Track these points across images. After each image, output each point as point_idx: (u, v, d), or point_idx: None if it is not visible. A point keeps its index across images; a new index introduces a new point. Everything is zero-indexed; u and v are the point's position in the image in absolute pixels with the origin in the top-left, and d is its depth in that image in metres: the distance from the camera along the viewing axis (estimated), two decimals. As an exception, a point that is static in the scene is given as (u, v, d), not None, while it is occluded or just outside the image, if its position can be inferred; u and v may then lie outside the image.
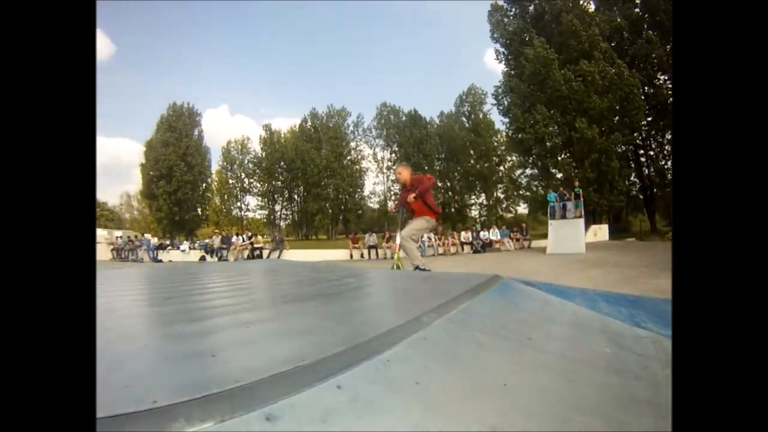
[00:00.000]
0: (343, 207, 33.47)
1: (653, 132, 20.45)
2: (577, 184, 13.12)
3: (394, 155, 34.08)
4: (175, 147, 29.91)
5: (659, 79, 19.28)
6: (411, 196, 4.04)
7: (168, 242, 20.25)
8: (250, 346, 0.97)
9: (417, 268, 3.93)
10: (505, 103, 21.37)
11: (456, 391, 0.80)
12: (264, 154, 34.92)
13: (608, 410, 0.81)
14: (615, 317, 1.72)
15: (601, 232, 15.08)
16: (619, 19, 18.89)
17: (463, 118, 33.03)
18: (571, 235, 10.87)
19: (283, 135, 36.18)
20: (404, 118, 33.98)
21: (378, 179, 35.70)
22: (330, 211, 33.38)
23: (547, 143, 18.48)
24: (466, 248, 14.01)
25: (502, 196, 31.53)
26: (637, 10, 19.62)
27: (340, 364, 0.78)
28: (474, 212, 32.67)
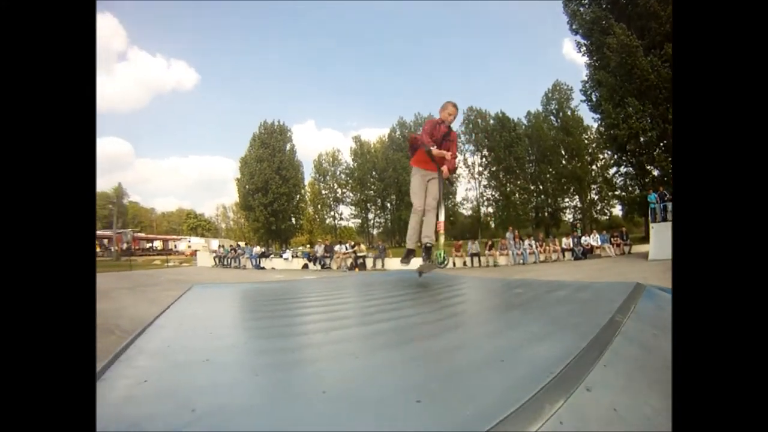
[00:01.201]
0: None
1: None
2: (662, 188, 12.50)
3: (484, 160, 33.93)
4: (269, 162, 32.96)
5: None
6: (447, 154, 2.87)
7: (271, 251, 21.43)
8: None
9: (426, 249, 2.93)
10: (594, 98, 20.26)
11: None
12: (355, 164, 36.57)
13: None
14: None
15: None
16: None
17: (552, 117, 32.00)
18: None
19: (372, 145, 37.59)
20: (492, 121, 33.44)
21: (470, 185, 35.62)
22: None
23: (641, 138, 17.25)
24: (567, 254, 13.65)
25: (596, 197, 30.31)
26: None
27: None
28: (568, 216, 31.74)
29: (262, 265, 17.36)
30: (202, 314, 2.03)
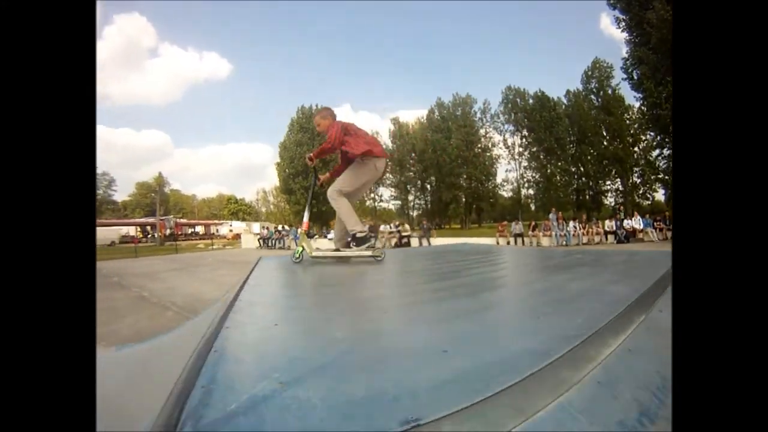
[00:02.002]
0: (475, 195, 33.75)
1: None
2: None
3: (524, 140, 33.15)
4: (309, 146, 32.65)
5: None
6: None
7: (314, 232, 22.08)
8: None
9: (354, 237, 2.77)
10: (635, 76, 19.41)
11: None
12: (394, 146, 36.11)
13: None
14: None
15: None
16: None
17: (592, 96, 31.06)
18: None
19: (411, 127, 37.03)
20: (531, 101, 32.65)
21: (510, 166, 35.26)
22: (464, 199, 33.93)
23: None
24: (609, 238, 13.59)
25: (638, 181, 29.35)
26: None
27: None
28: (609, 199, 30.98)
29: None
30: (281, 276, 2.32)
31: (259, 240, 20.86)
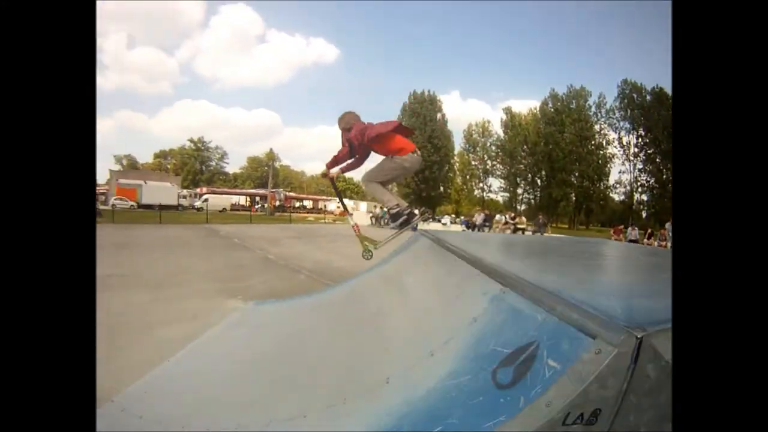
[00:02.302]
0: (586, 195, 31.73)
1: None
2: None
3: (640, 140, 30.48)
4: (421, 130, 32.34)
5: None
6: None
7: (428, 215, 21.75)
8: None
9: (390, 214, 2.79)
10: None
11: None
12: (506, 136, 35.17)
13: None
14: None
15: None
16: None
17: None
18: None
19: (523, 117, 35.68)
20: (648, 97, 30.08)
21: (624, 167, 32.04)
22: (574, 198, 31.98)
23: None
24: None
25: None
26: None
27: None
28: None
29: (416, 227, 17.97)
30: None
31: (371, 218, 21.92)
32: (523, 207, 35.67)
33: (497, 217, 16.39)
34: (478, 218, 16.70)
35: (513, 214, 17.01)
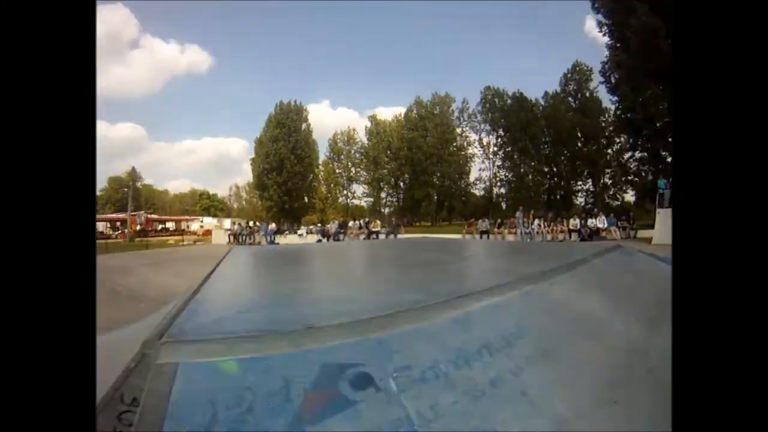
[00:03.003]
0: (447, 194, 34.05)
1: None
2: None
3: (500, 140, 33.38)
4: (285, 142, 33.16)
5: None
6: None
7: (285, 228, 22.58)
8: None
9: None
10: (613, 80, 19.95)
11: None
12: (370, 143, 36.40)
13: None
14: None
15: None
16: None
17: (570, 98, 31.52)
18: None
19: (388, 124, 37.10)
20: (509, 101, 32.80)
21: (484, 165, 35.44)
22: (436, 198, 34.06)
23: (657, 123, 16.85)
24: (574, 236, 14.05)
25: (609, 182, 29.94)
26: None
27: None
28: (580, 200, 31.62)
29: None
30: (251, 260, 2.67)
31: (229, 236, 20.90)
32: (387, 210, 37.39)
33: (351, 223, 16.41)
34: (333, 226, 16.83)
35: (367, 219, 17.09)
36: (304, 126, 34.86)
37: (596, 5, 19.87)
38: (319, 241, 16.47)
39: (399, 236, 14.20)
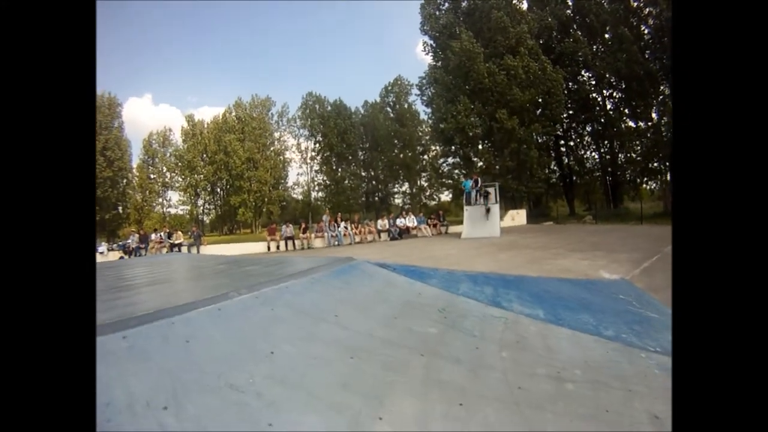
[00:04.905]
0: (266, 199, 32.56)
1: (574, 124, 21.68)
2: (475, 176, 13.51)
3: (318, 145, 33.60)
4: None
5: (583, 76, 20.45)
6: None
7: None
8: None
9: None
10: (429, 93, 21.97)
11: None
12: (186, 146, 32.96)
13: (384, 393, 0.83)
14: (474, 297, 1.63)
15: (519, 216, 16.11)
16: (549, 19, 19.70)
17: (388, 108, 33.40)
18: (486, 220, 11.33)
19: (206, 126, 34.19)
20: (329, 108, 33.51)
21: (302, 170, 34.97)
22: (253, 203, 32.20)
23: (469, 133, 19.04)
24: (384, 236, 13.98)
25: (425, 184, 32.00)
26: (568, 11, 20.44)
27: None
28: (398, 200, 33.34)
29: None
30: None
31: None
32: (207, 218, 35.69)
33: (153, 236, 15.14)
34: (133, 240, 14.65)
35: (168, 231, 15.94)
36: (116, 123, 29.18)
37: (425, 28, 21.94)
38: (122, 257, 13.81)
39: (203, 249, 13.38)
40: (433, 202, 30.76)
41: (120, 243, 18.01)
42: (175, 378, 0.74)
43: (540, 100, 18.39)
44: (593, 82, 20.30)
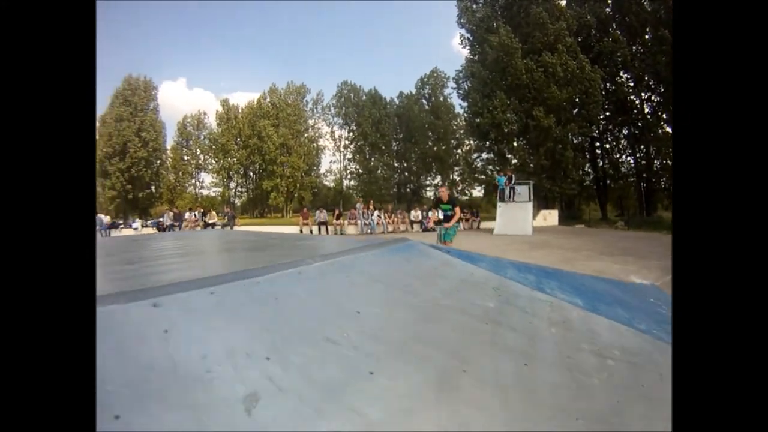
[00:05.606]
0: (298, 185, 33.17)
1: (610, 126, 20.99)
2: (509, 172, 13.53)
3: (351, 134, 33.92)
4: (130, 122, 28.73)
5: (621, 77, 19.69)
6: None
7: (120, 221, 20.11)
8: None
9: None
10: (466, 87, 21.79)
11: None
12: (220, 130, 33.79)
13: (461, 350, 0.93)
14: (520, 282, 1.71)
15: (551, 216, 16.04)
16: (588, 17, 19.15)
17: (423, 100, 33.16)
18: (519, 218, 11.31)
19: (241, 111, 34.81)
20: (364, 98, 33.72)
21: (335, 157, 35.62)
22: (285, 188, 32.82)
23: (504, 129, 18.76)
24: (416, 227, 14.11)
25: (458, 178, 31.68)
26: (608, 9, 19.89)
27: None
28: (429, 193, 33.03)
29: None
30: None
31: None
32: (238, 201, 36.06)
33: (187, 215, 15.43)
34: (167, 218, 15.60)
35: (203, 210, 16.33)
36: (152, 105, 30.51)
37: (462, 20, 21.43)
38: (156, 232, 15.08)
39: (235, 228, 13.63)
40: (465, 197, 30.43)
41: (154, 220, 18.63)
42: (272, 331, 0.80)
43: (577, 99, 18.01)
44: (631, 84, 19.61)
